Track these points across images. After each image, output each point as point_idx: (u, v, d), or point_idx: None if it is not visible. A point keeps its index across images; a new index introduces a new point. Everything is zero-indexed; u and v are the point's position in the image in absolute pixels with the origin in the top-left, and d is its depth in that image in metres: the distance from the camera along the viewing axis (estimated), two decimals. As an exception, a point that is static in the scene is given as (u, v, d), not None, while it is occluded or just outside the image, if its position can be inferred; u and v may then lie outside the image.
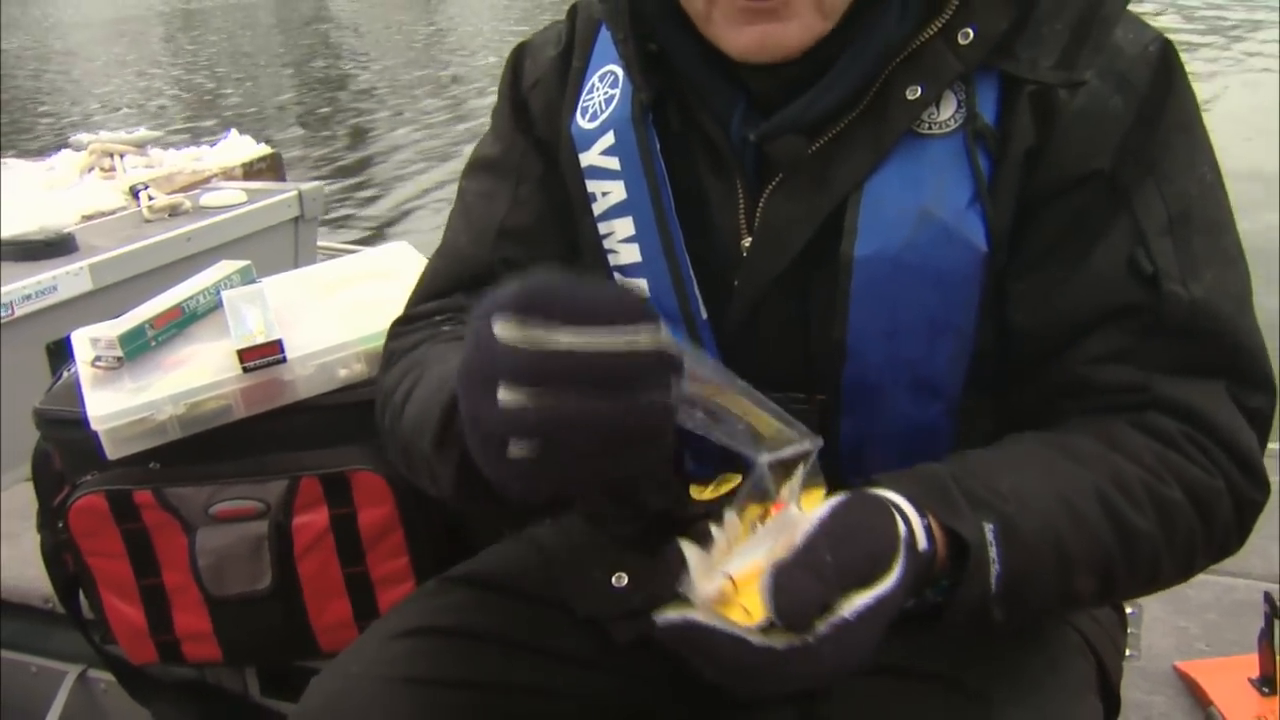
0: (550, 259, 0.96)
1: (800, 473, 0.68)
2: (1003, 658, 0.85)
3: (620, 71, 0.92)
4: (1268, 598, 1.31)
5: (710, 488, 0.95)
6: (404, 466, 0.91)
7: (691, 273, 0.89)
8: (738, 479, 0.93)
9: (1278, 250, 3.82)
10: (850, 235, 0.81)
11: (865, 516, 0.65)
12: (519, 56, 1.02)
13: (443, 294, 1.02)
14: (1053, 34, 0.81)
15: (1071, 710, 0.84)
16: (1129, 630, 1.20)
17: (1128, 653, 1.34)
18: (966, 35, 0.80)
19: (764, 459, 0.68)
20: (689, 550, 0.65)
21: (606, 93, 0.93)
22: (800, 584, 0.59)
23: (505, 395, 0.58)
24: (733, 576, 0.62)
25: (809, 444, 0.69)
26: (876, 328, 0.82)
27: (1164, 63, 0.81)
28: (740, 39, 0.79)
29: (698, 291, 0.89)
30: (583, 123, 0.94)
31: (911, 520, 0.67)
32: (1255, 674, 1.32)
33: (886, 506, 0.66)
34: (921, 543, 0.66)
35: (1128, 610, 1.17)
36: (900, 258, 0.80)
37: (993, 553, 0.69)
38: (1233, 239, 0.83)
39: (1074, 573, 0.73)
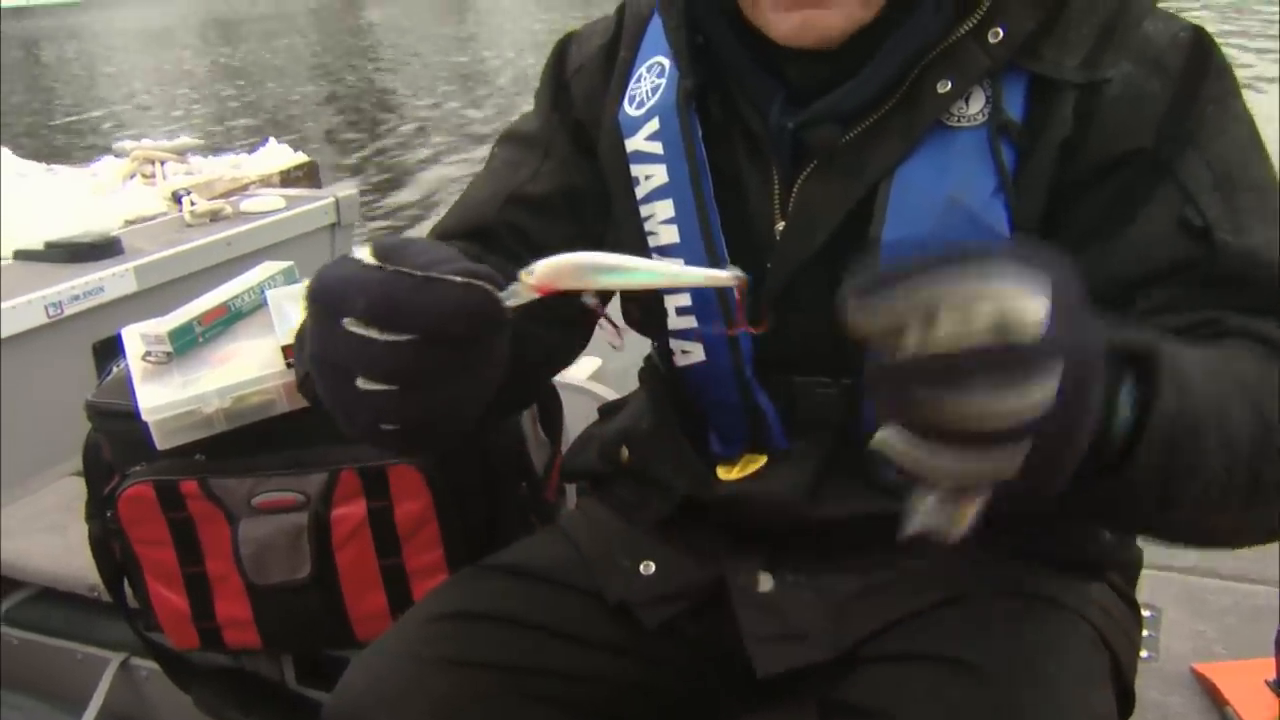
0: (555, 234, 1.00)
1: None
2: (1017, 647, 0.87)
3: (667, 63, 0.97)
4: (1284, 601, 1.33)
5: (737, 468, 0.98)
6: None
7: (726, 254, 0.93)
8: (763, 459, 0.97)
9: None
10: (880, 219, 0.85)
11: None
12: (565, 44, 1.07)
13: (447, 237, 1.03)
14: (1079, 37, 0.84)
15: (1084, 697, 0.86)
16: (1146, 633, 1.22)
17: (1144, 654, 1.37)
18: (996, 34, 0.84)
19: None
20: None
21: (653, 82, 0.98)
22: None
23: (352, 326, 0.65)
24: None
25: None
26: None
27: (1197, 46, 0.84)
28: (785, 23, 0.84)
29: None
30: (629, 110, 0.98)
31: None
32: (1272, 676, 1.34)
33: None
34: None
35: (1145, 612, 1.20)
36: (927, 242, 0.83)
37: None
38: (1277, 194, 0.84)
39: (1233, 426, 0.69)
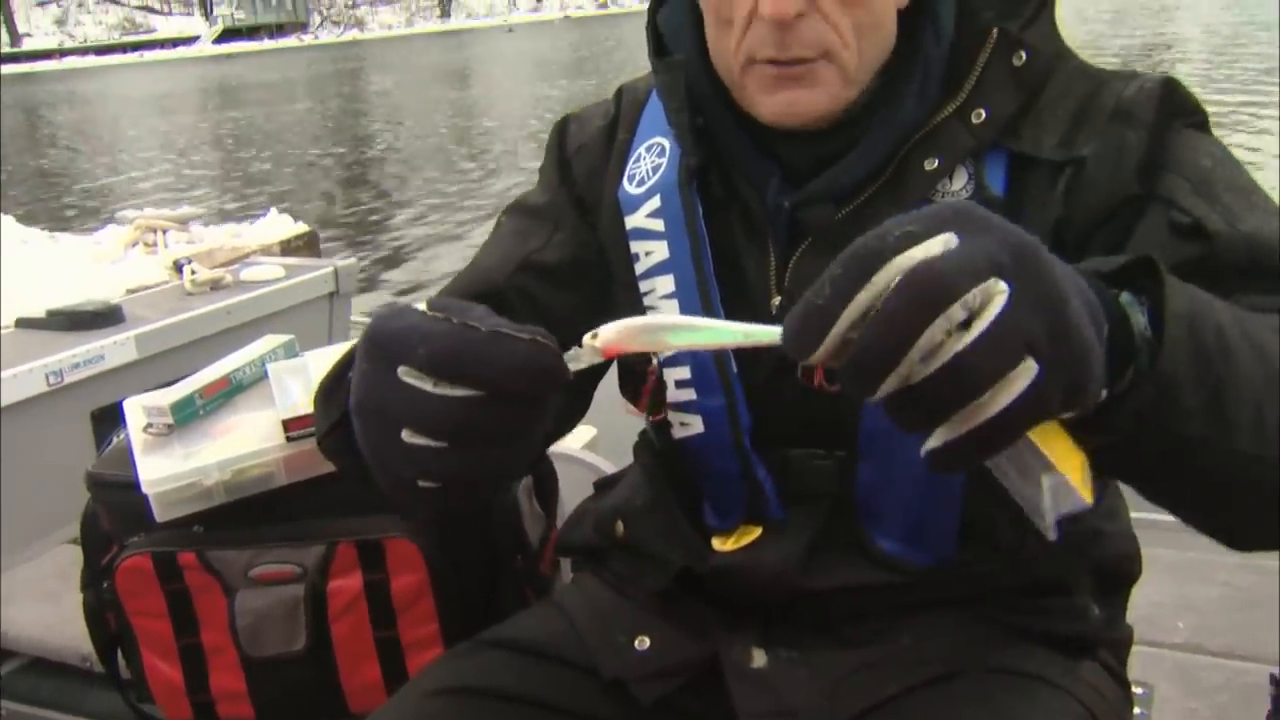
0: (563, 303, 1.03)
1: None
2: None
3: (667, 143, 1.00)
4: (1274, 679, 1.33)
5: (732, 539, 1.00)
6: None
7: None
8: (758, 530, 0.98)
9: None
10: None
11: None
12: (565, 123, 1.10)
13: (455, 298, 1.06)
14: (1054, 118, 0.89)
15: None
16: (1138, 710, 1.22)
17: (1136, 732, 1.37)
18: (979, 115, 0.88)
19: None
20: None
21: (654, 161, 1.01)
22: None
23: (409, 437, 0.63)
24: None
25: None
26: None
27: (1165, 92, 0.88)
28: (771, 104, 0.88)
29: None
30: (629, 188, 1.02)
31: None
32: (1264, 755, 1.34)
33: None
34: None
35: (1137, 690, 1.20)
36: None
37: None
38: (1264, 198, 0.86)
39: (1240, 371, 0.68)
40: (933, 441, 0.56)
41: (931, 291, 0.53)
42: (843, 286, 0.55)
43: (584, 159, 1.07)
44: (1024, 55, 0.88)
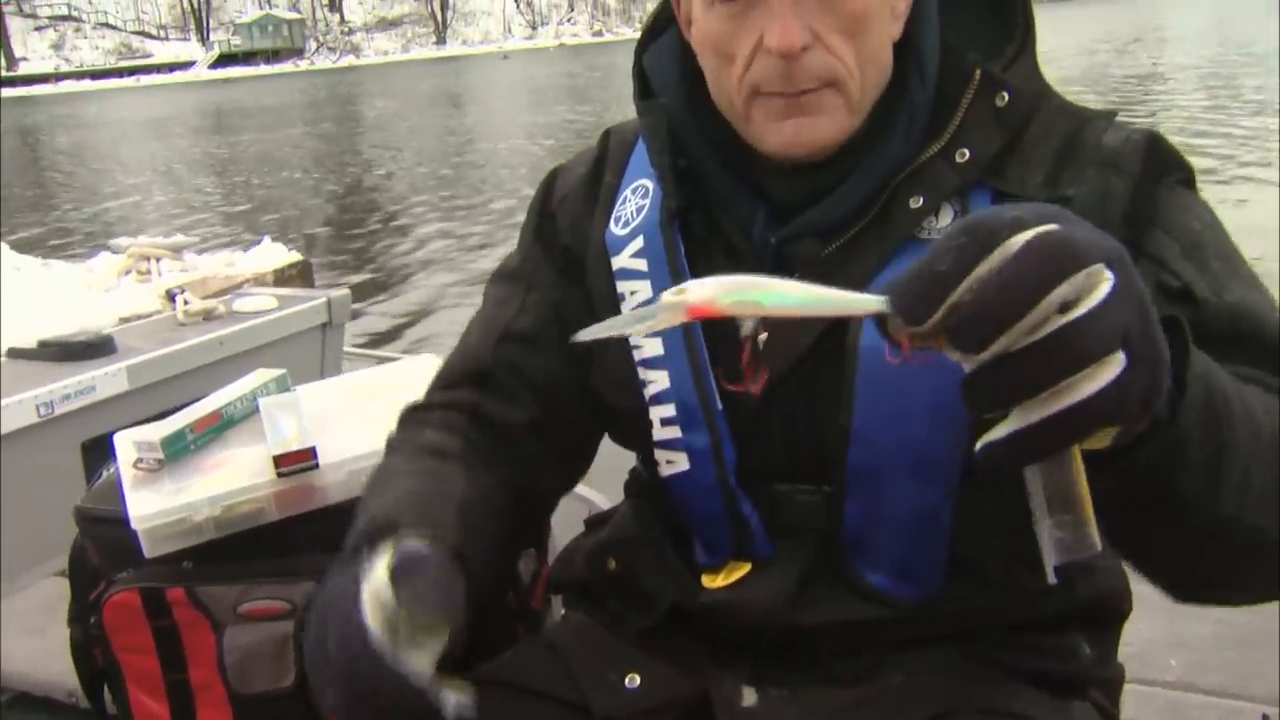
0: (547, 365, 1.06)
1: None
2: None
3: (651, 184, 1.02)
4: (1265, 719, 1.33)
5: (721, 575, 1.00)
6: None
7: (709, 365, 0.96)
8: (747, 566, 0.98)
9: None
10: (856, 328, 0.89)
11: None
12: (553, 177, 1.12)
13: (451, 386, 1.10)
14: (1039, 157, 0.90)
15: None
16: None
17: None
18: (964, 155, 0.89)
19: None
20: None
21: (638, 203, 1.02)
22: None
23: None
24: None
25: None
26: (881, 413, 0.89)
27: (1152, 145, 0.90)
28: (779, 134, 0.89)
29: (715, 384, 0.96)
30: (615, 229, 1.03)
31: None
32: (1257, 795, 1.33)
33: None
34: None
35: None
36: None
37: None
38: (1247, 267, 0.88)
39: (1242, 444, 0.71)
40: (1004, 428, 0.57)
41: (1055, 259, 0.54)
42: (964, 257, 0.56)
43: (568, 209, 1.09)
44: (1006, 95, 0.90)
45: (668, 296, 0.62)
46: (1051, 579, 0.61)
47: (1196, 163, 0.92)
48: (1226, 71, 18.23)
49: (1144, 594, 1.06)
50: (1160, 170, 0.89)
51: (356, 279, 8.10)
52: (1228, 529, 0.71)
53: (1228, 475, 0.69)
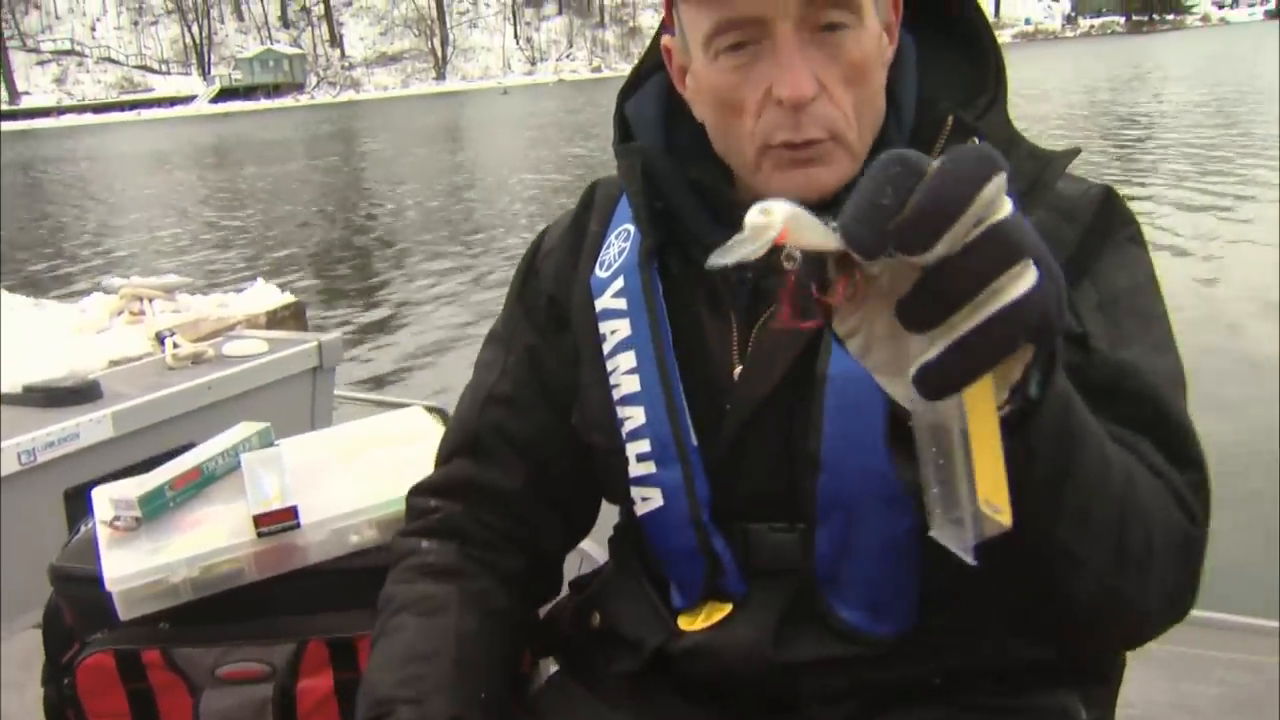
0: (531, 426, 1.09)
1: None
2: None
3: (632, 228, 1.04)
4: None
5: (700, 617, 1.00)
6: None
7: (684, 401, 0.98)
8: (727, 608, 0.99)
9: None
10: (825, 357, 0.90)
11: None
12: (542, 235, 1.15)
13: (449, 459, 1.13)
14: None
15: None
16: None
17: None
18: None
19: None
20: None
21: (620, 246, 1.05)
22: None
23: None
24: None
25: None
26: (849, 440, 0.89)
27: (1106, 201, 0.93)
28: (789, 182, 0.90)
29: (689, 420, 0.98)
30: (599, 273, 1.06)
31: None
32: None
33: None
34: None
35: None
36: (867, 374, 0.85)
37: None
38: (1165, 333, 0.91)
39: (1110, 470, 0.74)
40: (937, 347, 0.57)
41: (977, 163, 0.55)
42: (901, 184, 0.56)
43: (551, 262, 1.12)
44: (977, 141, 0.90)
45: (757, 213, 0.59)
46: (970, 559, 0.60)
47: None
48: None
49: (1145, 652, 1.03)
50: (1110, 225, 0.92)
51: (364, 318, 8.05)
52: (1060, 559, 0.73)
53: (1067, 503, 0.70)
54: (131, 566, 1.24)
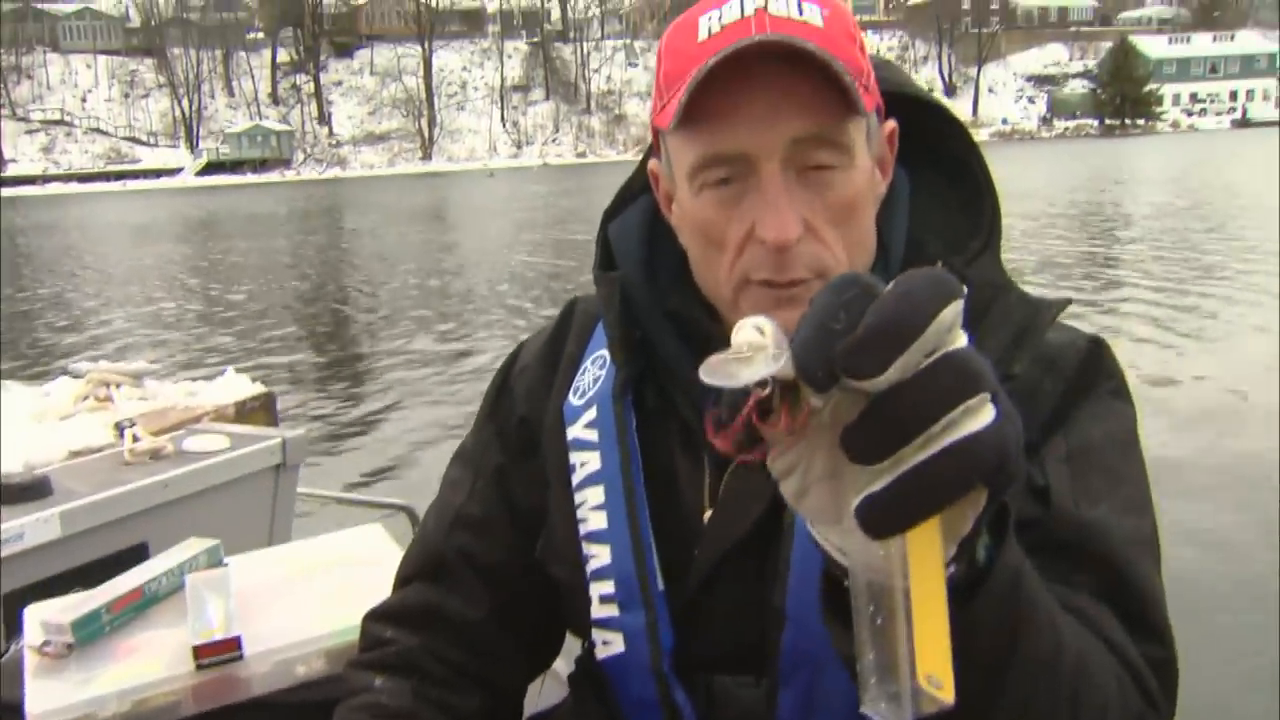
0: (497, 551, 1.06)
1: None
2: None
3: (609, 355, 1.01)
4: None
5: None
6: None
7: (652, 542, 0.95)
8: None
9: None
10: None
11: None
12: (518, 350, 1.13)
13: (408, 581, 1.11)
14: (994, 343, 0.89)
15: None
16: None
17: None
18: None
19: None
20: None
21: (595, 374, 1.02)
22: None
23: None
24: None
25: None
26: (814, 592, 0.83)
27: (1091, 353, 0.91)
28: None
29: (656, 562, 0.94)
30: (573, 399, 1.03)
31: None
32: None
33: None
34: None
35: None
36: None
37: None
38: (1138, 493, 0.87)
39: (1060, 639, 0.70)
40: (884, 478, 0.52)
41: (935, 286, 0.53)
42: (855, 308, 0.54)
43: (525, 379, 1.09)
44: (966, 290, 0.85)
45: (751, 334, 0.56)
46: None
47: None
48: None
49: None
50: (1094, 379, 0.90)
51: (343, 410, 7.92)
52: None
53: (1010, 688, 0.65)
54: (57, 700, 1.16)
